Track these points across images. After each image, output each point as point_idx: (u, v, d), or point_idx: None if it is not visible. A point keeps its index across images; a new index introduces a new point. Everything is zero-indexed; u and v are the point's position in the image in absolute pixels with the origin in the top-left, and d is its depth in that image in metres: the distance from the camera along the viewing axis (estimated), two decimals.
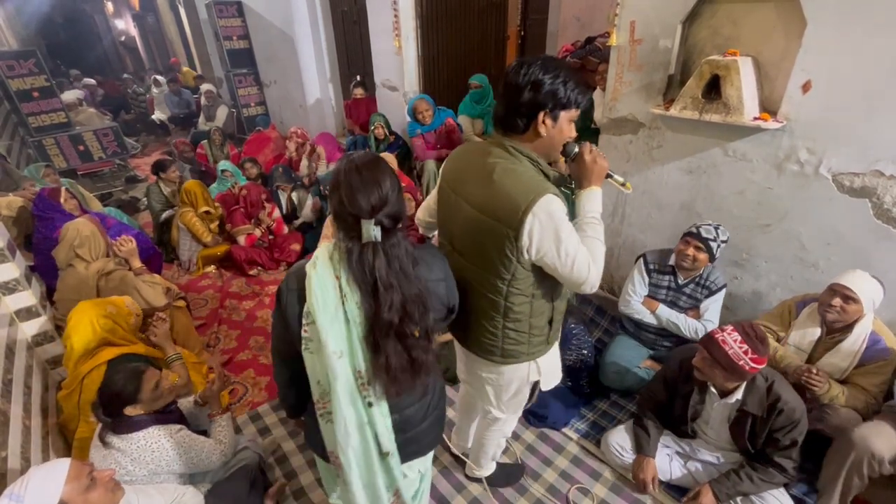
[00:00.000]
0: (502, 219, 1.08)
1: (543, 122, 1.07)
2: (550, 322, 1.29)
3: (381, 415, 1.02)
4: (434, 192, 1.38)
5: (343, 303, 0.93)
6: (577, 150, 1.17)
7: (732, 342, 1.46)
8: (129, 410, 1.45)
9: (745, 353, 1.45)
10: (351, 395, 0.98)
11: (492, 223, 1.10)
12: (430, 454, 1.26)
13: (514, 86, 1.06)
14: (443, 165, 1.32)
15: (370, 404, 1.00)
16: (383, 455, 1.06)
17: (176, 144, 5.66)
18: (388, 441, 1.05)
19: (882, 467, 1.53)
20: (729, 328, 1.51)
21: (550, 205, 1.05)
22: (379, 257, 0.92)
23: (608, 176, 1.23)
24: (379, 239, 0.91)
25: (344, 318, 0.94)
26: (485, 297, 1.22)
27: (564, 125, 1.11)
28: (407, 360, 0.98)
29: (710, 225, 2.01)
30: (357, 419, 1.00)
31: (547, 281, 1.19)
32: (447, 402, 2.33)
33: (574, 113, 1.11)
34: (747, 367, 1.45)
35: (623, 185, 1.26)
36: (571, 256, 1.07)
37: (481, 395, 1.49)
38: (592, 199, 1.19)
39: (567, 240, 1.07)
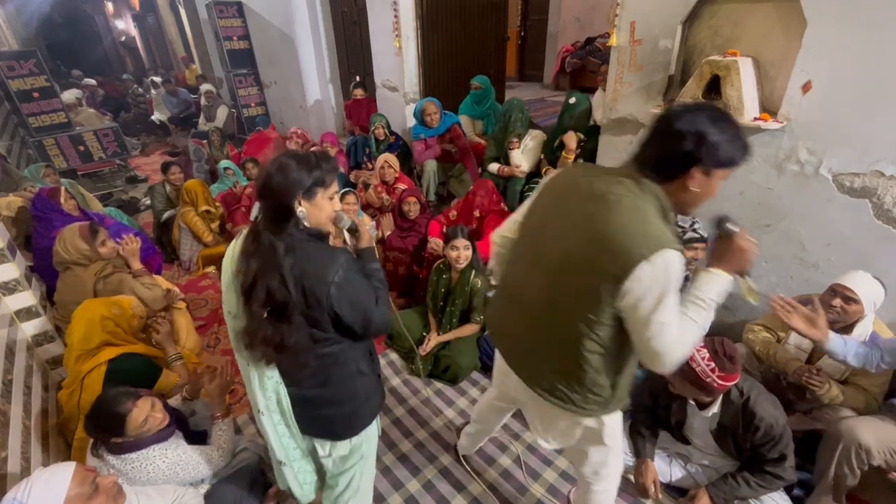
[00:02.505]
0: (613, 255, 0.98)
1: (695, 176, 0.99)
2: (614, 387, 1.16)
3: (263, 376, 1.19)
4: (525, 209, 1.30)
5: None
6: (734, 229, 1.06)
7: (700, 360, 1.44)
8: (116, 440, 1.42)
9: (713, 370, 1.42)
10: (239, 351, 1.17)
11: (598, 256, 1.01)
12: (345, 443, 1.35)
13: (675, 132, 0.97)
14: (549, 178, 1.24)
15: (248, 364, 1.18)
16: (269, 411, 1.23)
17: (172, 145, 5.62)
18: (264, 401, 1.22)
19: (870, 458, 1.53)
20: (699, 344, 1.47)
21: (671, 262, 0.95)
22: (252, 234, 1.11)
23: (745, 273, 1.12)
24: (259, 218, 1.11)
25: (234, 284, 1.13)
26: (558, 327, 1.13)
27: (715, 183, 1.01)
28: (267, 334, 1.10)
29: (696, 222, 2.04)
30: (246, 373, 1.21)
31: (628, 340, 1.08)
32: (449, 403, 2.34)
33: (729, 172, 1.01)
34: (715, 385, 1.43)
35: (750, 290, 1.16)
36: (661, 324, 0.97)
37: (530, 421, 1.43)
38: (715, 282, 1.05)
39: (668, 306, 0.97)
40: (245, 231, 1.16)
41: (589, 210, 1.05)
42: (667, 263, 0.95)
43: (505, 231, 1.38)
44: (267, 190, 1.08)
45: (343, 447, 1.37)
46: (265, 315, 1.10)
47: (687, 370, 1.45)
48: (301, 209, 1.10)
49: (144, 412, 1.43)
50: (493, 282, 1.61)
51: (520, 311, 1.24)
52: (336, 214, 1.20)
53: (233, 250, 1.18)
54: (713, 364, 1.43)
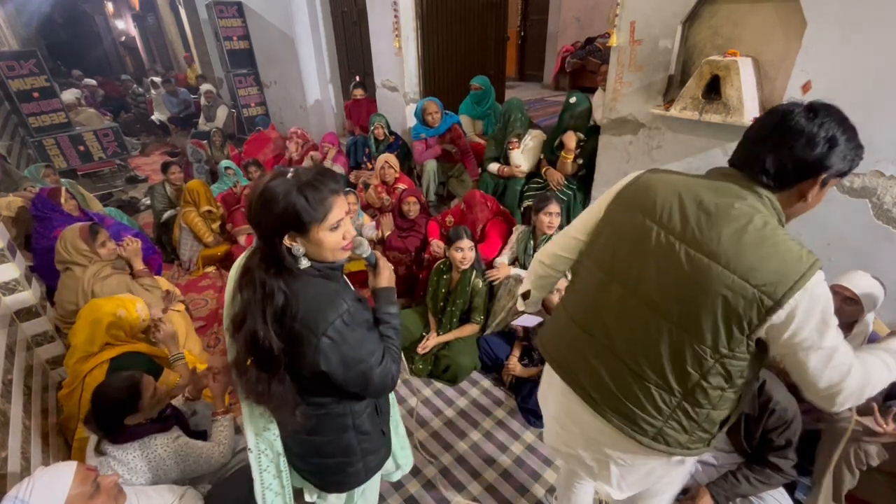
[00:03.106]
0: (760, 283, 0.85)
1: (816, 185, 0.89)
2: (723, 423, 1.04)
3: (255, 410, 1.10)
4: (588, 225, 1.13)
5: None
6: None
7: None
8: (130, 420, 1.44)
9: None
10: (236, 378, 1.03)
11: (732, 282, 0.87)
12: (333, 496, 1.24)
13: (805, 135, 0.85)
14: (621, 188, 1.07)
15: (242, 397, 1.05)
16: (257, 450, 1.16)
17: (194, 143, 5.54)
18: (254, 439, 1.14)
19: (869, 458, 1.53)
20: None
21: (821, 283, 0.86)
22: (245, 267, 0.99)
23: None
24: (259, 247, 0.97)
25: (230, 307, 1.03)
26: (672, 362, 0.96)
27: (825, 194, 0.93)
28: (251, 379, 0.98)
29: None
30: (244, 404, 1.10)
31: (754, 373, 0.99)
32: (449, 402, 2.34)
33: (839, 182, 0.92)
34: None
35: None
36: (832, 349, 0.86)
37: (599, 472, 1.18)
38: None
39: (833, 327, 0.86)
40: (251, 250, 1.03)
41: (708, 229, 0.90)
42: (819, 284, 0.85)
43: (560, 250, 1.19)
44: (254, 225, 0.94)
45: (333, 498, 1.26)
46: (248, 361, 0.98)
47: None
48: (297, 246, 0.93)
49: (152, 383, 1.50)
50: (522, 307, 1.41)
51: (607, 345, 1.06)
52: (354, 241, 1.02)
53: (237, 266, 1.06)
54: None
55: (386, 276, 1.14)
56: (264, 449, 1.14)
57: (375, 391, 1.06)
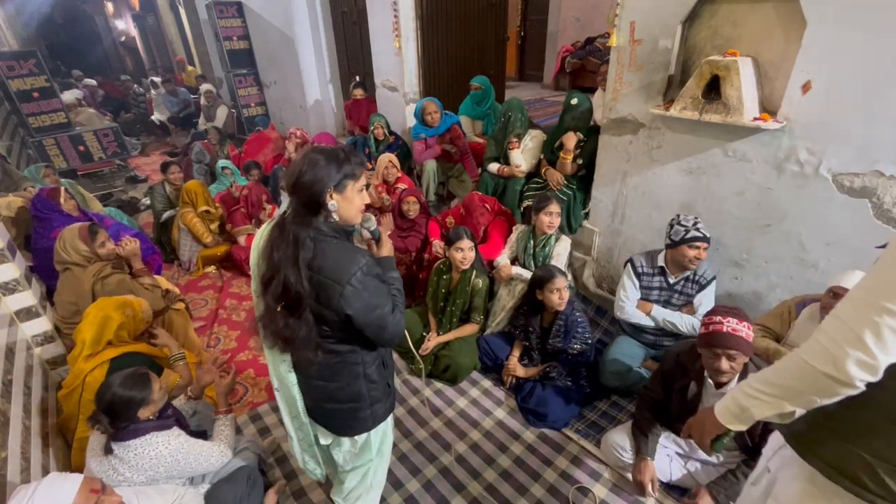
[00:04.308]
0: None
1: None
2: None
3: (277, 360, 1.27)
4: None
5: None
6: None
7: (736, 324, 1.49)
8: (143, 412, 1.45)
9: (746, 326, 1.49)
10: (262, 329, 1.18)
11: None
12: (346, 441, 1.39)
13: None
14: None
15: (268, 346, 1.20)
16: (280, 390, 1.33)
17: (206, 145, 5.50)
18: (277, 382, 1.32)
19: None
20: (714, 317, 1.53)
21: None
22: (279, 226, 1.13)
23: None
24: (288, 212, 1.13)
25: (257, 270, 1.19)
26: None
27: None
28: (279, 326, 1.13)
29: (698, 222, 2.04)
30: (269, 353, 1.27)
31: None
32: (449, 402, 2.34)
33: None
34: (746, 335, 1.49)
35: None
36: None
37: None
38: None
39: None
40: (274, 219, 1.18)
41: None
42: None
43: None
44: (298, 185, 1.10)
45: (347, 443, 1.39)
46: (279, 308, 1.13)
47: (739, 342, 1.49)
48: (332, 202, 1.12)
49: (156, 378, 1.52)
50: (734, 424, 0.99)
51: None
52: (363, 214, 1.23)
53: (261, 235, 1.21)
54: (732, 318, 1.49)
55: (388, 247, 1.35)
56: (285, 391, 1.32)
57: (389, 336, 1.21)
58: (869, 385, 0.75)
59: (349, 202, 1.15)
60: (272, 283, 1.11)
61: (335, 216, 1.14)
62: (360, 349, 1.25)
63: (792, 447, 0.93)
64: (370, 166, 4.02)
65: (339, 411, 1.31)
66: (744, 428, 0.97)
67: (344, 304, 1.10)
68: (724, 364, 1.52)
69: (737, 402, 0.94)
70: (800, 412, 0.85)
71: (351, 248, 1.16)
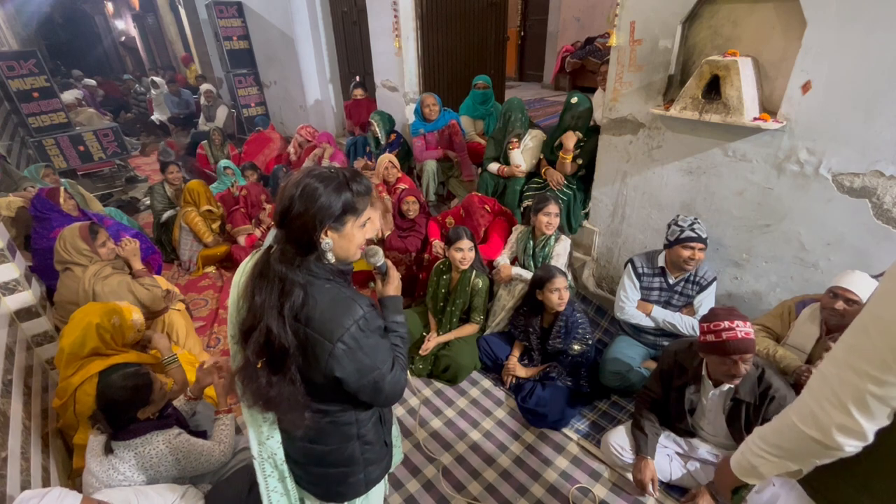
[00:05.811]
0: None
1: None
2: None
3: (257, 420, 1.08)
4: None
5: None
6: None
7: (745, 326, 1.49)
8: (143, 413, 1.45)
9: (748, 324, 1.49)
10: (241, 387, 1.01)
11: None
12: None
13: None
14: None
15: (247, 405, 1.02)
16: (261, 459, 1.13)
17: (169, 145, 5.67)
18: (257, 447, 1.11)
19: None
20: (721, 323, 1.52)
21: None
22: (261, 265, 0.96)
23: None
24: (274, 247, 0.95)
25: (237, 312, 1.01)
26: None
27: None
28: (260, 384, 0.96)
29: (696, 223, 2.04)
30: (247, 413, 1.08)
31: None
32: (449, 402, 2.34)
33: None
34: (748, 335, 1.49)
35: None
36: None
37: None
38: None
39: None
40: (258, 253, 1.01)
41: None
42: None
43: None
44: (287, 218, 0.92)
45: None
46: (259, 364, 0.97)
47: (745, 343, 1.49)
48: (327, 240, 0.93)
49: (156, 378, 1.52)
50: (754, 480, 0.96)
51: None
52: (369, 249, 1.05)
53: (243, 270, 1.04)
54: (739, 321, 1.49)
55: (395, 284, 1.14)
56: (267, 457, 1.13)
57: (386, 399, 1.04)
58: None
59: (347, 241, 0.97)
60: (253, 333, 0.93)
61: (329, 256, 0.95)
62: (352, 409, 1.07)
63: (801, 484, 0.92)
64: (371, 165, 4.02)
65: (328, 476, 1.14)
66: (760, 482, 0.95)
67: (334, 365, 0.92)
68: (742, 368, 1.53)
69: (746, 458, 0.91)
70: (807, 469, 0.83)
71: (347, 297, 0.96)
